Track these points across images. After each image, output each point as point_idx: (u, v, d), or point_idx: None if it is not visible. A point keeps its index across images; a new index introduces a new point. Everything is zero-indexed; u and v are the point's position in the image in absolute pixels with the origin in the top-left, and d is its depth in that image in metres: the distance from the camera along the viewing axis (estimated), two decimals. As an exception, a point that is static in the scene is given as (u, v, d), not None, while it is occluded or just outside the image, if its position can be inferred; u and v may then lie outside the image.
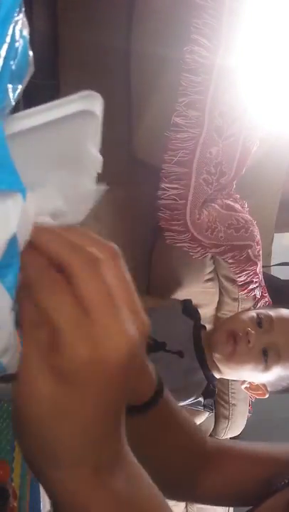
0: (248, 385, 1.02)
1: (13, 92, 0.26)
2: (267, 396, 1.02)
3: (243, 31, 0.96)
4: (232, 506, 0.61)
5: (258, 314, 0.97)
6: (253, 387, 1.02)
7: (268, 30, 0.98)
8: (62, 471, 0.27)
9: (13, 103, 0.26)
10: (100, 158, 0.34)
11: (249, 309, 1.11)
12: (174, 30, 0.96)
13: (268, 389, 1.00)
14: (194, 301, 1.20)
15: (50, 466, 0.27)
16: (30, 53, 0.28)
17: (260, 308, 1.20)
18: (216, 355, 0.97)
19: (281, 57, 1.03)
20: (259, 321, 0.95)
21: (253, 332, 0.93)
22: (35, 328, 0.25)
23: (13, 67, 0.25)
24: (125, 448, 0.30)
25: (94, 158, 0.33)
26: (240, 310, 1.24)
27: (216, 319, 1.30)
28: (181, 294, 1.18)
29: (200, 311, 1.15)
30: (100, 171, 0.34)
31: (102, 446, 0.28)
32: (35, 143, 0.29)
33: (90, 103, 0.31)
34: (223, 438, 1.43)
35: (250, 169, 1.19)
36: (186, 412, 0.56)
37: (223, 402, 1.36)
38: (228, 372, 1.00)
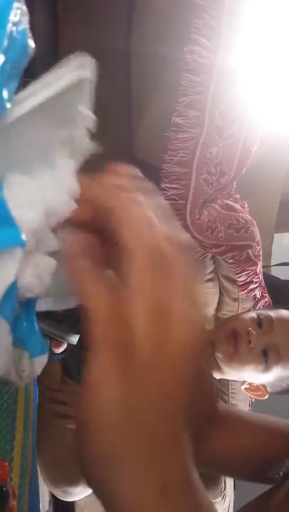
0: (248, 386, 1.02)
1: (10, 94, 0.26)
2: (266, 397, 1.02)
3: (243, 31, 0.96)
4: (233, 476, 0.59)
5: (258, 315, 0.97)
6: (252, 388, 1.02)
7: (268, 30, 0.98)
8: (131, 490, 0.24)
9: (9, 105, 0.26)
10: (91, 115, 0.36)
11: (249, 310, 1.11)
12: (174, 30, 0.96)
13: (268, 390, 1.00)
14: (194, 301, 1.20)
15: (113, 482, 0.24)
16: (31, 44, 0.28)
17: (260, 308, 1.20)
18: (218, 355, 0.97)
19: (281, 57, 1.03)
20: (259, 322, 0.95)
21: (254, 332, 0.93)
22: (113, 321, 0.24)
23: (10, 68, 0.25)
24: (194, 475, 0.27)
25: (85, 116, 0.35)
26: (240, 310, 1.24)
27: (216, 319, 1.30)
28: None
29: (200, 311, 1.15)
30: (90, 127, 0.36)
31: (168, 458, 0.25)
32: (35, 119, 0.30)
33: (84, 71, 0.33)
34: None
35: (251, 169, 1.19)
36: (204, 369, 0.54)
37: (223, 402, 1.36)
38: (229, 372, 1.00)
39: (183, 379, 0.25)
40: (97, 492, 0.26)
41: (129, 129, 1.12)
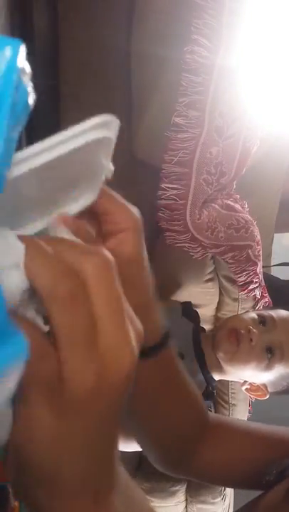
0: (249, 386, 1.02)
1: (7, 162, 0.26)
2: (267, 397, 1.02)
3: (243, 31, 0.96)
4: (226, 486, 0.59)
5: (258, 314, 0.98)
6: (253, 389, 1.02)
7: (268, 30, 0.98)
8: (64, 502, 0.26)
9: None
10: (111, 168, 0.36)
11: (248, 311, 1.11)
12: (174, 30, 0.96)
13: (269, 389, 1.01)
14: (194, 301, 1.20)
15: (50, 499, 0.26)
16: (30, 101, 0.28)
17: (260, 309, 1.20)
18: (220, 354, 0.97)
19: (281, 58, 1.03)
20: (261, 321, 0.96)
21: (255, 330, 0.93)
22: (39, 360, 0.24)
23: (12, 129, 0.25)
24: (119, 467, 0.30)
25: (106, 169, 0.36)
26: (240, 310, 1.24)
27: (216, 319, 1.30)
28: (181, 294, 1.18)
29: (200, 311, 1.16)
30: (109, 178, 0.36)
31: (102, 468, 0.27)
32: (50, 173, 0.29)
33: (108, 130, 0.32)
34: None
35: (251, 169, 1.19)
36: (191, 381, 0.53)
37: (223, 403, 1.36)
38: (231, 372, 1.00)
39: (114, 405, 0.26)
40: (32, 508, 0.27)
41: (129, 129, 1.12)
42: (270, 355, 0.93)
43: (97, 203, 0.35)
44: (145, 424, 0.47)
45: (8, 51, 0.25)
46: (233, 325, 0.98)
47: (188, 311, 1.08)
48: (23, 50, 0.25)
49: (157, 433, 0.51)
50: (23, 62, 0.25)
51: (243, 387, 1.04)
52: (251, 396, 1.07)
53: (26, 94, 0.27)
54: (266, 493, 0.52)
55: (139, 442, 0.56)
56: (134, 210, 0.39)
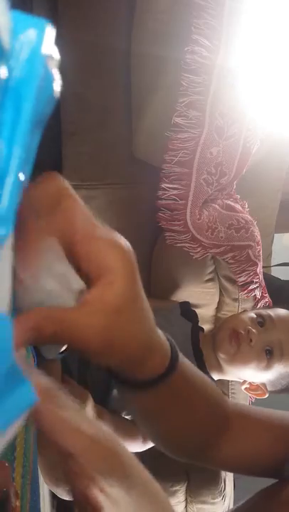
0: (248, 386, 1.02)
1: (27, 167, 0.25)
2: (266, 396, 1.02)
3: (243, 31, 0.96)
4: (247, 475, 0.58)
5: (257, 314, 0.98)
6: (252, 388, 1.02)
7: (269, 30, 0.98)
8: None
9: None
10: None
11: (246, 310, 1.11)
12: (174, 30, 0.96)
13: (268, 388, 1.01)
14: (194, 301, 1.20)
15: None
16: (57, 90, 0.25)
17: (259, 309, 1.20)
18: (221, 355, 0.97)
19: (282, 58, 1.03)
20: (259, 321, 0.96)
21: (254, 331, 0.93)
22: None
23: (36, 121, 0.24)
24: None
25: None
26: (240, 310, 1.24)
27: (216, 319, 1.30)
28: (181, 294, 1.18)
29: (200, 311, 1.16)
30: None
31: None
32: None
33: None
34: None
35: (251, 169, 1.19)
36: (204, 376, 0.50)
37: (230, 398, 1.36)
38: (230, 372, 1.00)
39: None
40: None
41: (129, 129, 1.12)
42: (269, 355, 0.93)
43: (76, 247, 0.31)
44: (163, 430, 0.48)
45: (32, 34, 0.20)
46: (233, 326, 0.98)
47: (187, 310, 1.08)
48: (50, 32, 0.21)
49: (176, 432, 0.51)
50: (50, 47, 0.21)
51: (243, 387, 1.04)
52: (251, 395, 1.07)
53: (52, 84, 0.24)
54: (283, 486, 0.50)
55: (151, 436, 0.55)
56: (121, 242, 0.33)
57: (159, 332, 0.43)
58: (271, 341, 0.93)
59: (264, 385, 1.01)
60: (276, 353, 0.93)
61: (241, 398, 1.35)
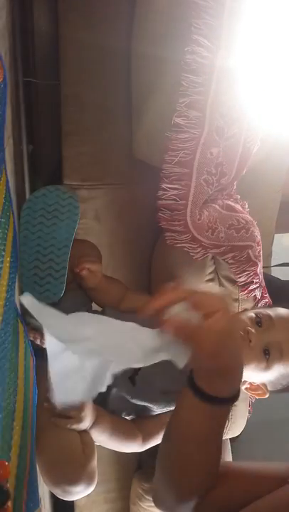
0: (248, 386, 1.02)
1: None
2: (267, 396, 1.02)
3: (243, 31, 0.96)
4: None
5: (256, 314, 0.97)
6: (253, 388, 1.02)
7: (269, 30, 0.98)
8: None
9: None
10: None
11: (246, 310, 1.11)
12: (174, 30, 0.96)
13: (268, 388, 1.00)
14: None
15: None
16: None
17: (259, 308, 1.19)
18: None
19: (282, 58, 1.03)
20: (258, 321, 0.95)
21: (253, 331, 0.93)
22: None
23: None
24: None
25: None
26: (240, 311, 1.24)
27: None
28: (181, 295, 1.18)
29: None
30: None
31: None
32: None
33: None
34: (223, 438, 1.43)
35: (251, 170, 1.19)
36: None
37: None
38: None
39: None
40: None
41: (129, 129, 1.12)
42: (268, 356, 0.93)
43: (193, 299, 0.51)
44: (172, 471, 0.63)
45: None
46: None
47: None
48: None
49: (180, 479, 0.64)
50: None
51: (243, 387, 1.04)
52: (251, 395, 1.06)
53: None
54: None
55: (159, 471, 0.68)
56: (220, 294, 0.50)
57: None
58: (269, 342, 0.93)
59: (264, 385, 1.00)
60: (275, 354, 0.92)
61: (241, 399, 1.35)
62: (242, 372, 0.60)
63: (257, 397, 1.05)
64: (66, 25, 1.05)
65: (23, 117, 1.08)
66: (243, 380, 1.02)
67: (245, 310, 1.10)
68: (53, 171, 1.25)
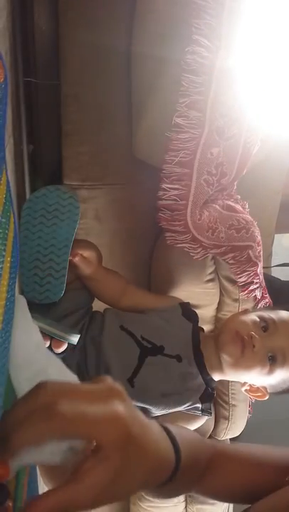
0: (248, 388, 1.02)
1: None
2: (267, 398, 1.02)
3: (244, 31, 0.96)
4: (227, 502, 0.65)
5: (260, 318, 0.97)
6: (252, 390, 1.02)
7: (269, 30, 0.98)
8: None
9: None
10: None
11: (248, 310, 1.11)
12: (174, 30, 0.96)
13: (268, 391, 1.00)
14: (195, 302, 1.20)
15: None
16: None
17: (260, 309, 1.19)
18: (225, 357, 0.96)
19: (282, 58, 1.03)
20: (264, 325, 0.95)
21: (257, 336, 0.92)
22: None
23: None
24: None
25: None
26: (240, 311, 1.24)
27: (217, 320, 1.30)
28: (181, 295, 1.18)
29: (200, 311, 1.15)
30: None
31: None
32: None
33: None
34: (222, 439, 1.43)
35: (251, 170, 1.19)
36: (193, 434, 0.59)
37: (223, 403, 1.36)
38: (231, 374, 0.99)
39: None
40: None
41: (129, 129, 1.12)
42: (271, 361, 0.92)
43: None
44: None
45: None
46: (236, 328, 0.97)
47: (188, 310, 1.08)
48: None
49: None
50: None
51: (243, 388, 1.04)
52: (251, 397, 1.07)
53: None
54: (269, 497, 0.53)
55: None
56: (113, 413, 0.38)
57: (161, 446, 0.46)
58: (274, 347, 0.92)
59: (264, 387, 1.00)
60: (279, 359, 0.92)
61: (241, 399, 1.35)
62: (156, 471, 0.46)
63: (256, 399, 1.05)
64: (66, 25, 1.05)
65: (24, 117, 1.08)
66: (243, 382, 1.03)
67: (246, 310, 1.10)
68: (53, 171, 1.25)
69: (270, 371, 0.93)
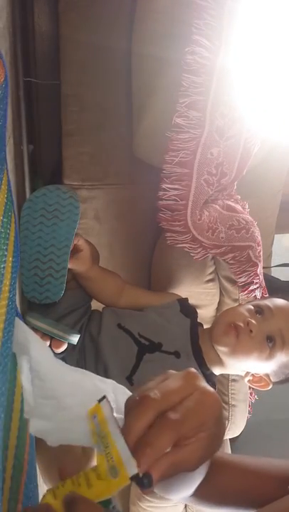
0: (251, 378, 1.01)
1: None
2: (270, 387, 1.01)
3: (244, 32, 0.96)
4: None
5: (255, 305, 0.97)
6: (255, 380, 1.01)
7: (269, 30, 0.98)
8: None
9: None
10: None
11: (241, 303, 1.11)
12: (174, 30, 0.96)
13: (271, 379, 1.00)
14: (195, 302, 1.20)
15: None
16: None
17: (256, 300, 1.19)
18: (220, 348, 0.96)
19: (282, 58, 1.03)
20: (258, 310, 0.95)
21: (253, 321, 0.93)
22: None
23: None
24: None
25: None
26: (236, 305, 1.24)
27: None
28: (181, 295, 1.18)
29: (200, 311, 1.15)
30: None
31: None
32: None
33: None
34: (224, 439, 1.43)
35: (251, 170, 1.19)
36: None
37: (223, 403, 1.36)
38: (232, 364, 0.99)
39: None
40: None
41: (129, 129, 1.12)
42: (271, 343, 0.93)
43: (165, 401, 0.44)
44: None
45: None
46: (230, 319, 0.97)
47: (186, 306, 1.07)
48: None
49: None
50: None
51: (246, 379, 1.03)
52: (255, 387, 1.05)
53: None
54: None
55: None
56: (211, 397, 0.46)
57: None
58: (272, 330, 0.93)
59: (267, 375, 1.00)
60: (278, 341, 0.92)
61: (241, 399, 1.35)
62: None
63: (260, 389, 1.04)
64: (66, 25, 1.05)
65: (24, 117, 1.08)
66: (245, 372, 1.02)
67: (240, 304, 1.10)
68: (53, 171, 1.25)
69: (270, 355, 0.93)
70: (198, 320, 1.08)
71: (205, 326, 1.16)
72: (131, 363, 0.96)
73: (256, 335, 0.92)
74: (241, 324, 0.93)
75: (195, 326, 1.04)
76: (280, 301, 0.99)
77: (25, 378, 0.46)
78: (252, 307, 0.97)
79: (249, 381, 1.02)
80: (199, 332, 1.03)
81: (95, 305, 1.09)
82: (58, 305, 0.97)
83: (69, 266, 0.92)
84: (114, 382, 0.53)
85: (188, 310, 1.07)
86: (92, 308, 1.09)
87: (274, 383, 1.00)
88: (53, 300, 0.90)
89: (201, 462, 0.45)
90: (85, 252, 0.97)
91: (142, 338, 0.99)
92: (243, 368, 1.00)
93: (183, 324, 1.04)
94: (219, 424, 0.46)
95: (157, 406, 0.42)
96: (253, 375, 1.01)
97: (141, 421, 0.41)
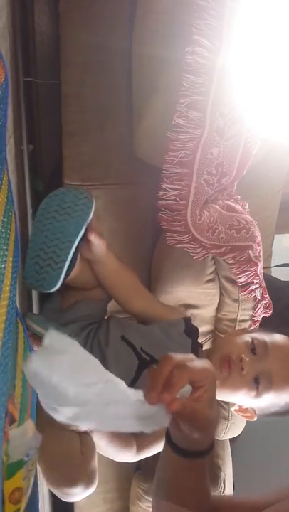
0: (238, 408, 1.01)
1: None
2: (255, 419, 1.01)
3: (244, 32, 0.96)
4: None
5: (252, 340, 0.96)
6: (241, 410, 1.01)
7: (269, 30, 0.98)
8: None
9: None
10: None
11: (244, 330, 1.10)
12: (175, 31, 0.96)
13: (256, 412, 1.00)
14: (195, 302, 1.20)
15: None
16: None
17: (255, 330, 1.18)
18: None
19: (282, 59, 1.03)
20: (253, 348, 0.94)
21: (247, 359, 0.91)
22: None
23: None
24: None
25: None
26: (240, 311, 1.24)
27: (216, 320, 1.30)
28: (181, 295, 1.18)
29: (200, 311, 1.15)
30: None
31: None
32: None
33: None
34: (222, 439, 1.43)
35: (251, 170, 1.19)
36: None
37: (222, 403, 1.36)
38: (220, 395, 0.99)
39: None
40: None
41: (130, 129, 1.12)
42: (257, 384, 0.92)
43: (188, 375, 0.57)
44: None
45: None
46: (226, 351, 0.96)
47: (190, 327, 1.06)
48: None
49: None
50: None
51: (233, 408, 1.03)
52: (240, 416, 1.06)
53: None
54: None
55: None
56: (207, 366, 0.59)
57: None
58: (261, 371, 0.91)
59: (253, 409, 1.00)
60: (264, 383, 0.91)
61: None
62: (216, 428, 0.63)
63: (245, 420, 1.03)
64: (66, 26, 1.05)
65: (24, 117, 1.08)
66: (232, 403, 1.02)
67: (243, 330, 1.08)
68: (53, 171, 1.25)
69: (258, 394, 0.92)
70: (198, 320, 1.07)
71: (205, 327, 1.17)
72: (130, 376, 0.96)
73: (247, 373, 0.91)
74: (234, 358, 0.92)
75: (196, 347, 1.04)
76: (278, 340, 0.97)
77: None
78: (250, 341, 0.96)
79: (235, 410, 1.03)
80: (199, 353, 1.03)
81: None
82: (73, 311, 0.99)
83: (92, 252, 0.96)
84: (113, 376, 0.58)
85: (191, 330, 1.06)
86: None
87: (259, 416, 1.00)
88: (46, 289, 0.92)
89: (206, 422, 0.58)
90: (101, 240, 0.97)
91: (144, 353, 0.99)
92: (231, 399, 1.00)
93: (185, 344, 1.03)
94: (214, 392, 0.60)
95: (175, 362, 0.55)
96: (239, 405, 1.01)
97: (165, 367, 0.54)
